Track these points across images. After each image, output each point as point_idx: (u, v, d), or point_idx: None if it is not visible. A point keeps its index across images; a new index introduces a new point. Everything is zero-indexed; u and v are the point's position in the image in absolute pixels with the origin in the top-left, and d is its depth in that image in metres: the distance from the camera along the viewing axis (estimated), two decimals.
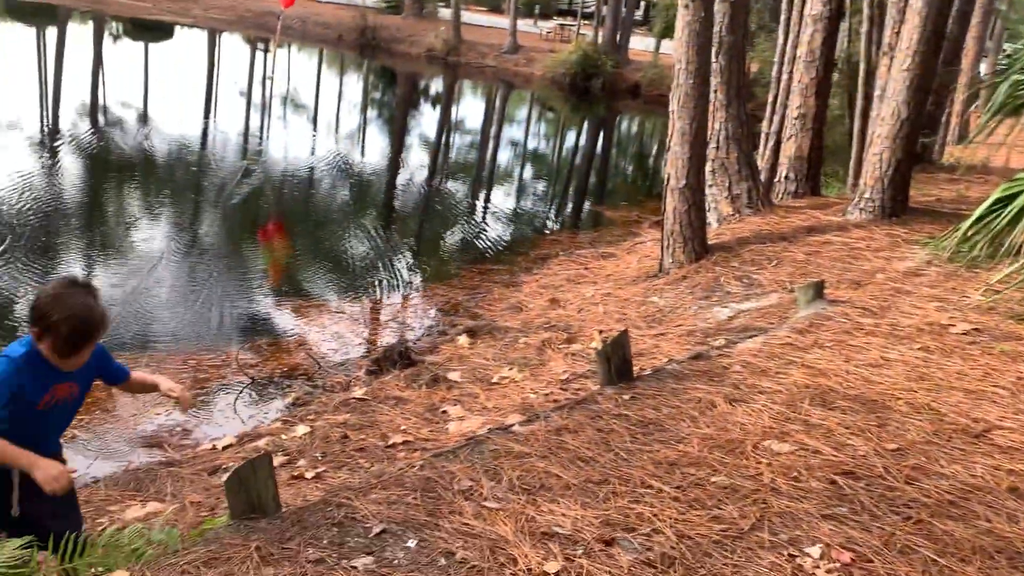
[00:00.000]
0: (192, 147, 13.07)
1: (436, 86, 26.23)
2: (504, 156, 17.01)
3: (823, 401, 3.78)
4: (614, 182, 15.93)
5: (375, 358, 5.54)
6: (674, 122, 6.54)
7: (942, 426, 3.57)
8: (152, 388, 2.94)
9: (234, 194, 10.15)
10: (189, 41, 28.25)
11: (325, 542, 2.57)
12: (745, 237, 7.18)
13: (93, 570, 2.53)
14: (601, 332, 5.94)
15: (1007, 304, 5.10)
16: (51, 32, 25.69)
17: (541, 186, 14.56)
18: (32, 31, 25.92)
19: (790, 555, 2.63)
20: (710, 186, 7.51)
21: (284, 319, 6.63)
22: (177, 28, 29.14)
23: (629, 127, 23.76)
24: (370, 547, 2.57)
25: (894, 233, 6.91)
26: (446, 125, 19.66)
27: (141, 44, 26.52)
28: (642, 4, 36.18)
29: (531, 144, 18.76)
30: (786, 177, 8.57)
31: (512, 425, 3.62)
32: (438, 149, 16.56)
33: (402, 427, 4.58)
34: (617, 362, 4.08)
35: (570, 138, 20.87)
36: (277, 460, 4.06)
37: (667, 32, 24.49)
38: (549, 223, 11.49)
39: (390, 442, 4.35)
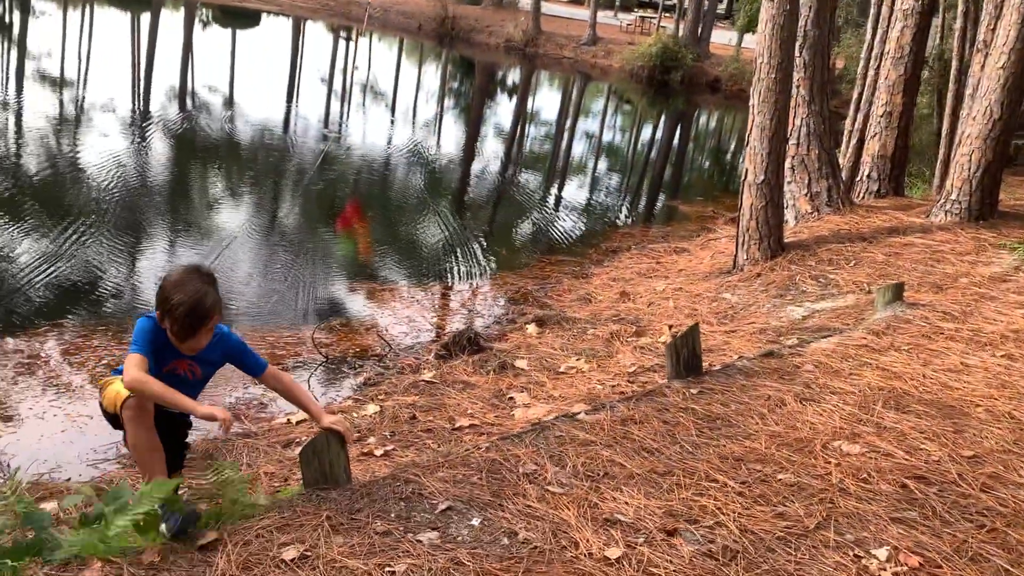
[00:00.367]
0: (274, 131, 13.42)
1: (513, 76, 26.29)
2: (579, 148, 16.97)
3: (897, 404, 3.71)
4: (690, 177, 15.75)
5: (444, 343, 5.62)
6: (753, 117, 6.45)
7: (1023, 435, 3.46)
8: (302, 408, 2.99)
9: (313, 178, 10.39)
10: (275, 28, 28.94)
11: (392, 515, 2.64)
12: (823, 236, 7.04)
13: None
14: (671, 327, 5.91)
15: None
16: (145, 18, 26.62)
17: (616, 179, 14.49)
18: (127, 16, 26.91)
19: (856, 556, 2.60)
20: (789, 183, 7.38)
21: (358, 301, 6.78)
22: (264, 15, 29.88)
23: (708, 122, 23.43)
24: (435, 523, 2.64)
25: (980, 237, 6.69)
26: (522, 115, 19.71)
27: (229, 31, 27.28)
28: None
29: (607, 136, 18.67)
30: (868, 176, 8.36)
31: (578, 413, 3.65)
32: (513, 139, 16.63)
33: (469, 411, 4.65)
34: (686, 356, 4.06)
35: (647, 131, 20.69)
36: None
37: (750, 26, 24.05)
38: (622, 216, 11.43)
39: (456, 425, 4.42)
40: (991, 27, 7.77)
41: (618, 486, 2.94)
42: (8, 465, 3.79)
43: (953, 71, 9.20)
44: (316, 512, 2.60)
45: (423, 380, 5.11)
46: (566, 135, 17.96)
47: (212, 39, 25.10)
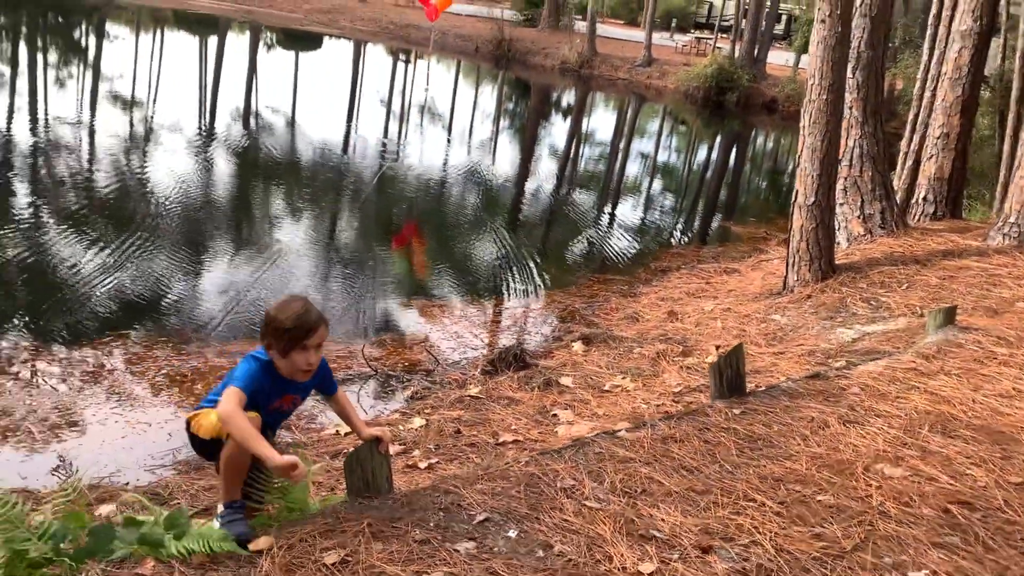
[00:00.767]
0: (333, 150, 13.74)
1: (568, 97, 26.45)
2: (633, 168, 17.00)
3: (944, 429, 3.66)
4: (744, 198, 15.64)
5: (491, 359, 5.70)
6: (804, 138, 6.42)
7: None
8: (348, 423, 3.09)
9: (370, 196, 10.61)
10: (336, 50, 29.63)
11: (431, 524, 2.71)
12: (876, 258, 6.96)
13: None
14: (718, 347, 5.89)
15: None
16: (212, 41, 27.50)
17: (668, 199, 14.48)
18: (195, 39, 27.84)
19: None
20: (841, 205, 7.32)
21: (409, 317, 6.91)
22: (325, 38, 30.61)
23: (764, 143, 23.24)
24: (473, 533, 2.70)
25: None
26: (576, 136, 19.81)
27: (292, 53, 28.02)
28: (783, 18, 35.25)
29: (661, 157, 18.65)
30: (924, 199, 8.23)
31: (619, 431, 3.68)
32: (567, 159, 16.73)
33: (512, 426, 4.71)
34: (730, 375, 4.07)
35: (701, 152, 20.62)
36: (394, 449, 4.27)
37: (807, 47, 23.81)
38: (673, 236, 11.41)
39: (500, 440, 4.48)
40: None
41: (655, 503, 2.96)
42: (71, 464, 3.97)
43: (1015, 92, 9.02)
44: (358, 519, 2.68)
45: (469, 395, 5.20)
46: (620, 155, 18.01)
47: (275, 61, 25.81)
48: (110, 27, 27.25)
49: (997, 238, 6.97)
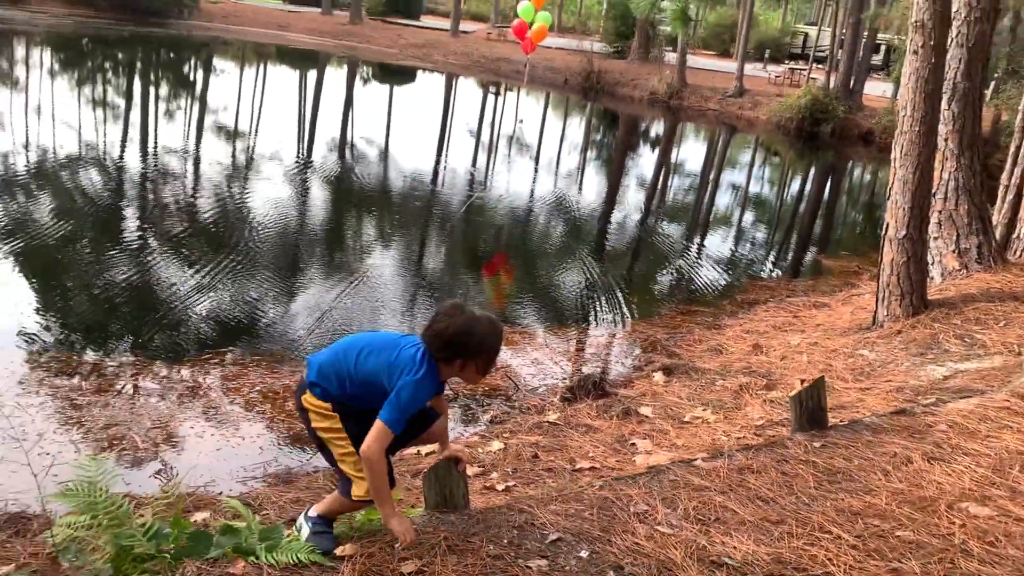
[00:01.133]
0: (424, 180, 14.11)
1: (656, 128, 26.42)
2: (723, 199, 16.83)
3: None
4: (838, 231, 15.28)
5: (570, 386, 5.76)
6: (895, 170, 6.30)
7: None
8: (438, 428, 3.00)
9: (458, 225, 10.85)
10: (429, 84, 30.40)
11: (505, 541, 2.79)
12: (971, 294, 6.73)
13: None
14: (803, 381, 5.79)
15: None
16: (311, 75, 28.63)
17: (758, 232, 14.27)
18: (296, 73, 29.03)
19: None
20: (935, 239, 7.12)
21: None
22: (419, 72, 31.46)
23: (860, 175, 22.65)
24: (545, 552, 2.76)
25: None
26: (664, 166, 19.76)
27: (387, 86, 28.91)
28: (881, 48, 34.42)
29: (752, 188, 18.41)
30: None
31: (695, 460, 3.69)
32: (655, 189, 16.70)
33: (590, 453, 4.75)
34: (811, 408, 4.03)
35: (794, 184, 20.26)
36: (472, 470, 4.37)
37: None
38: (763, 269, 11.25)
39: (577, 466, 4.53)
40: None
41: (728, 530, 2.97)
42: (172, 469, 4.22)
43: None
44: (435, 532, 2.78)
45: (547, 421, 5.26)
46: (710, 186, 17.87)
47: (371, 94, 26.66)
48: (217, 62, 28.71)
49: None
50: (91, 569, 2.52)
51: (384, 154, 16.39)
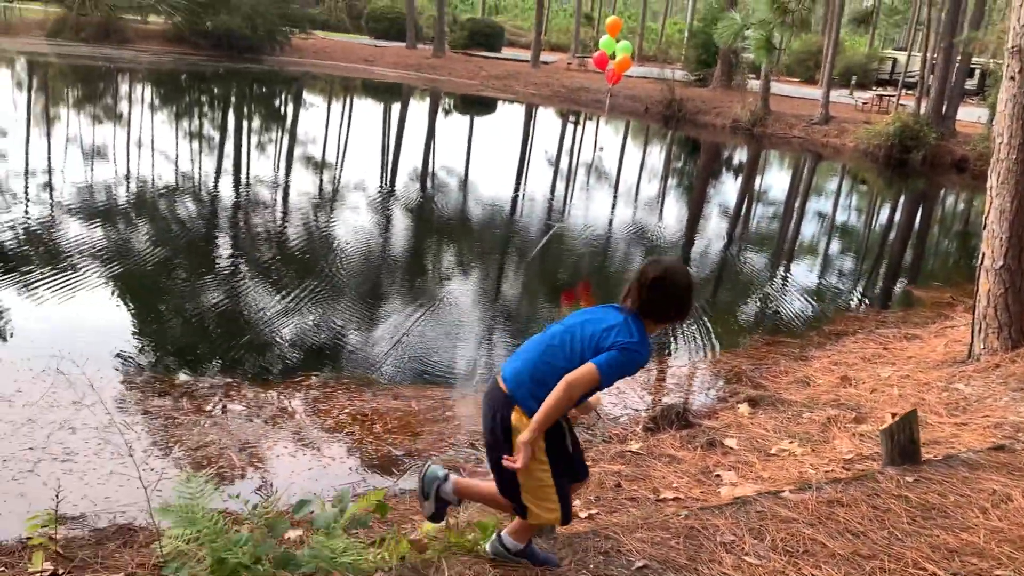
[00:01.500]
0: (503, 209, 14.29)
1: (739, 156, 26.13)
2: (809, 228, 16.51)
3: None
4: (930, 261, 14.81)
5: (653, 415, 5.73)
6: (991, 199, 6.12)
7: None
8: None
9: (538, 254, 10.95)
10: (509, 114, 30.81)
11: (591, 567, 2.82)
12: None
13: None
14: (894, 414, 5.64)
15: None
16: (395, 107, 29.36)
17: (846, 261, 13.95)
18: (380, 106, 29.83)
19: None
20: None
21: None
22: (499, 103, 31.93)
23: (954, 204, 21.91)
24: None
25: None
26: (748, 194, 19.52)
27: (468, 117, 29.42)
28: (975, 72, 33.34)
29: (839, 217, 18.01)
30: None
31: (782, 491, 3.64)
32: (738, 218, 16.51)
33: (673, 484, 4.72)
34: (902, 442, 3.94)
35: (883, 213, 19.73)
36: None
37: None
38: (850, 300, 10.99)
39: (660, 496, 4.51)
40: None
41: (817, 563, 2.93)
42: (271, 485, 4.38)
43: None
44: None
45: (629, 450, 5.25)
46: (795, 214, 17.55)
47: (452, 124, 27.17)
48: (306, 95, 29.75)
49: None
50: None
51: (464, 183, 16.68)
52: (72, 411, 5.20)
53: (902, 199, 21.46)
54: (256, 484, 4.60)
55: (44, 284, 7.59)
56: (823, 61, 30.79)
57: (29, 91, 22.80)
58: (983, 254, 6.30)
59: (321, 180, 15.37)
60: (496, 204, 14.45)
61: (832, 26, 29.59)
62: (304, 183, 14.72)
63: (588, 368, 2.51)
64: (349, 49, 39.66)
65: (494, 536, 2.88)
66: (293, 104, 27.53)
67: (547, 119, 30.31)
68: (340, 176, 16.03)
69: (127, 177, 13.12)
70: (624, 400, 6.35)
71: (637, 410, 6.13)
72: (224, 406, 5.67)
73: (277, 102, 27.92)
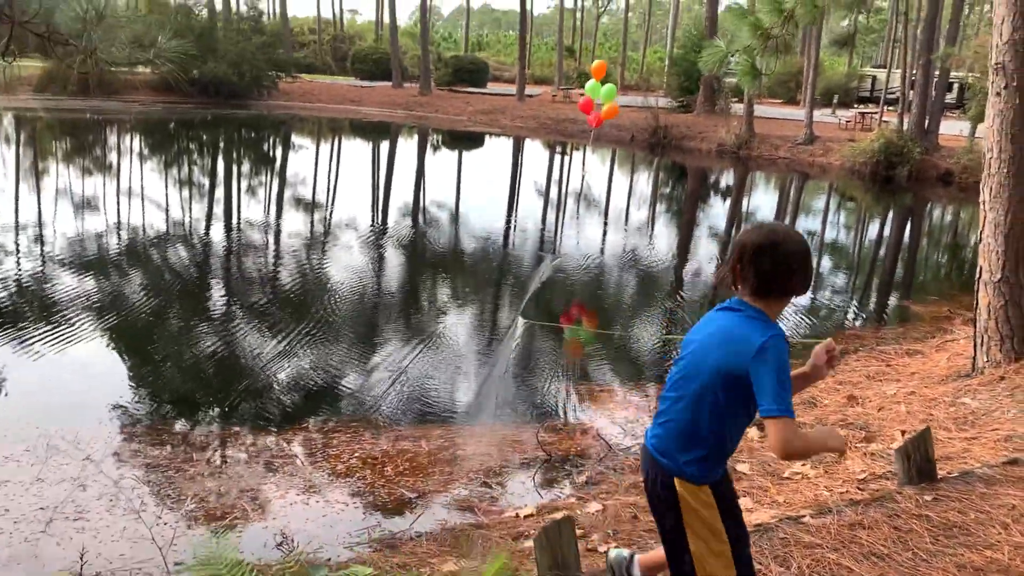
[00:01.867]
0: (495, 240, 14.34)
1: (726, 179, 26.33)
2: None
3: None
4: (923, 275, 14.89)
5: None
6: (985, 213, 6.19)
7: None
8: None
9: (533, 285, 10.96)
10: (497, 147, 31.03)
11: None
12: None
13: None
14: (904, 432, 5.65)
15: None
16: (384, 145, 29.55)
17: (840, 279, 14.02)
18: (369, 145, 30.01)
19: None
20: None
21: (578, 403, 7.06)
22: (487, 137, 32.17)
23: (941, 217, 22.10)
24: None
25: None
26: (736, 216, 19.65)
27: (456, 152, 29.61)
28: (954, 86, 33.78)
29: (829, 235, 18.14)
30: None
31: (803, 516, 3.64)
32: (729, 240, 16.60)
33: None
34: (918, 461, 3.94)
35: (872, 229, 19.86)
36: None
37: (983, 116, 22.68)
38: (848, 317, 11.03)
39: None
40: None
41: None
42: (289, 537, 4.35)
43: None
44: None
45: (642, 481, 5.23)
46: None
47: (441, 160, 27.34)
48: (295, 137, 29.93)
49: None
50: None
51: (456, 217, 16.75)
52: (80, 467, 5.17)
53: (891, 214, 21.64)
54: (272, 532, 4.56)
55: (40, 339, 7.57)
56: (804, 82, 31.17)
57: (17, 146, 22.88)
58: (980, 268, 6.35)
59: (312, 221, 15.42)
60: (488, 236, 14.50)
61: (812, 47, 30.03)
62: (295, 224, 14.77)
63: (772, 427, 2.13)
64: (335, 91, 39.97)
65: None
66: (281, 147, 27.68)
67: (535, 151, 30.53)
68: (331, 216, 16.10)
69: (118, 227, 13.13)
70: (631, 430, 6.35)
71: None
72: (230, 454, 5.64)
73: (265, 146, 28.07)
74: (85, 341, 7.64)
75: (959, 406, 6.05)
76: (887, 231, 19.53)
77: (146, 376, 7.10)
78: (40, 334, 7.69)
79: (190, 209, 15.75)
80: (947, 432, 5.48)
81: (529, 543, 3.68)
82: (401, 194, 19.59)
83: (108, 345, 7.69)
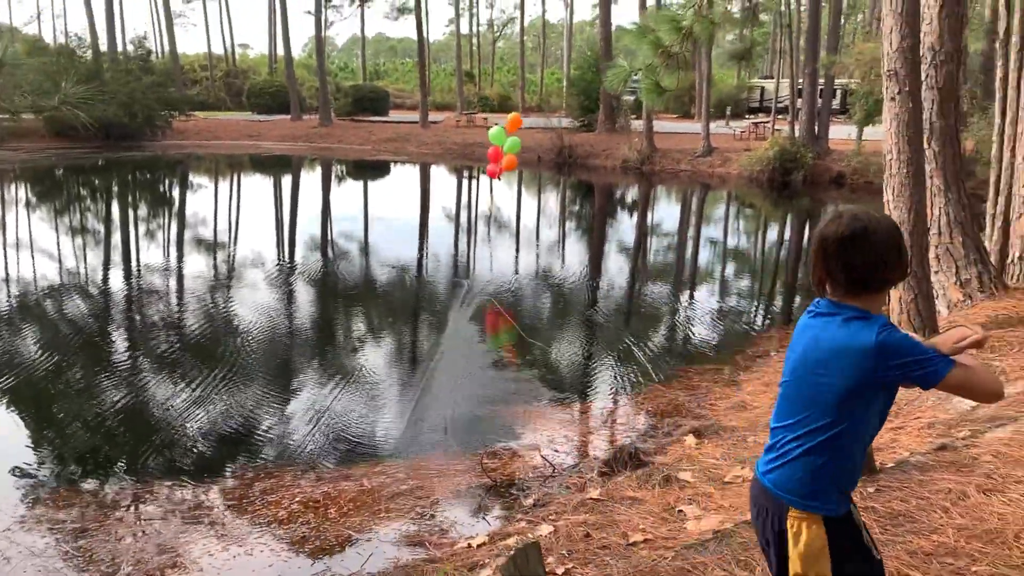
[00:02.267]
0: (408, 269, 14.25)
1: (631, 194, 26.92)
2: (705, 256, 17.09)
3: None
4: None
5: (606, 460, 5.77)
6: (889, 211, 6.50)
7: None
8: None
9: (449, 313, 10.91)
10: (403, 175, 30.93)
11: None
12: (980, 323, 6.86)
13: None
14: None
15: None
16: (286, 178, 29.05)
17: (747, 283, 14.48)
18: (270, 180, 29.45)
19: None
20: (936, 273, 7.29)
21: (517, 424, 7.03)
22: (393, 165, 32.04)
23: None
24: None
25: None
26: (643, 230, 20.09)
27: (361, 182, 29.36)
28: (837, 92, 35.49)
29: (732, 242, 18.73)
30: (1020, 257, 8.12)
31: None
32: (638, 253, 16.94)
33: (640, 526, 4.74)
34: None
35: (772, 234, 20.62)
36: None
37: (869, 119, 23.92)
38: (761, 320, 11.39)
39: (631, 540, 4.51)
40: None
41: None
42: None
43: None
44: None
45: (590, 498, 5.25)
46: (690, 244, 18.15)
47: (346, 191, 27.05)
48: (192, 177, 29.13)
49: None
50: None
51: (365, 248, 16.57)
52: None
53: (789, 218, 22.50)
54: None
55: None
56: (697, 95, 32.22)
57: None
58: None
59: (216, 261, 15.00)
60: (401, 265, 14.40)
61: (703, 62, 31.10)
62: (198, 266, 14.31)
63: (953, 378, 1.89)
64: (232, 127, 39.16)
65: None
66: (179, 187, 26.89)
67: (442, 176, 30.55)
68: (235, 255, 15.69)
69: (6, 281, 12.48)
70: (574, 448, 6.37)
71: (590, 456, 6.15)
72: (163, 511, 5.40)
73: (162, 187, 27.22)
74: None
75: None
76: (787, 234, 20.29)
77: (48, 437, 6.70)
78: None
79: (84, 258, 15.10)
80: None
81: (486, 572, 3.63)
82: (308, 228, 19.28)
83: (4, 408, 7.26)
